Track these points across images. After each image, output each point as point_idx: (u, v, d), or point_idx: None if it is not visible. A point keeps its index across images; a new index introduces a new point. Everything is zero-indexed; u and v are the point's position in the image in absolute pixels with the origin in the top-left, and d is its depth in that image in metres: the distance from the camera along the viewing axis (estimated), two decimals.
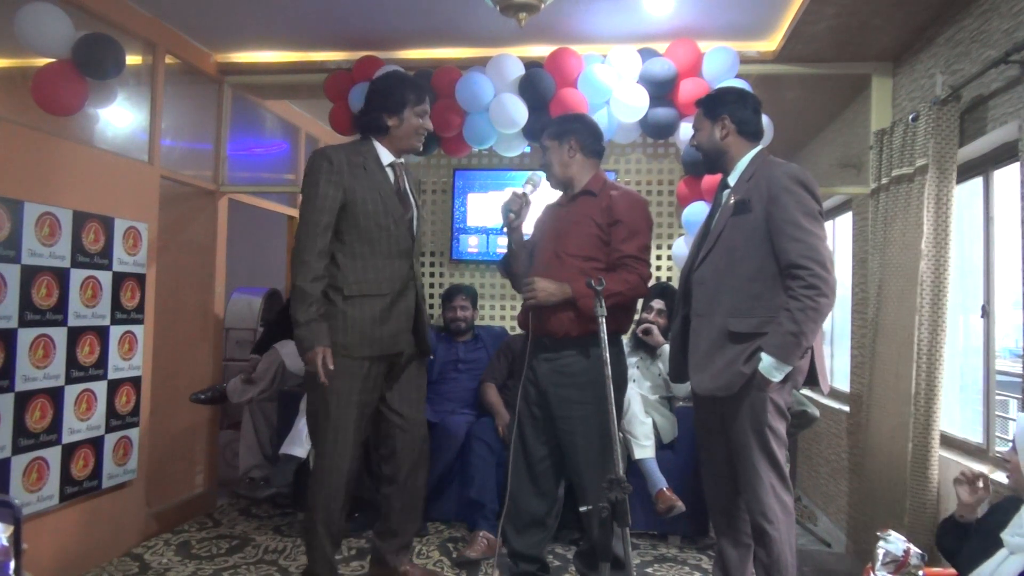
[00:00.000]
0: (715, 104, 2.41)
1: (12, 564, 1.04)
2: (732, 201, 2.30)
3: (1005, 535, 1.95)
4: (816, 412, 2.86)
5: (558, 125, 2.69)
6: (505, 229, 2.68)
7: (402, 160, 2.67)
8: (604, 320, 2.23)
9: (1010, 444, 2.08)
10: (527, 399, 2.64)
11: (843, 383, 4.27)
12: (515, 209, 2.60)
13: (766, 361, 2.16)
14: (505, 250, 2.79)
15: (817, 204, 2.23)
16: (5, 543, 1.04)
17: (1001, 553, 1.94)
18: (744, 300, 2.23)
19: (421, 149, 2.71)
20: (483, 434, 3.51)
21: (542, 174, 2.72)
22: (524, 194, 2.64)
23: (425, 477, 2.79)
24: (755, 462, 2.24)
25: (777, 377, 2.17)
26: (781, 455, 2.27)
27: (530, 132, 3.62)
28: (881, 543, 2.14)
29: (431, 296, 4.33)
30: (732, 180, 2.37)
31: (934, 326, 2.85)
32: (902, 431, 2.93)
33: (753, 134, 2.39)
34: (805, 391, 3.23)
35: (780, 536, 2.25)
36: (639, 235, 2.55)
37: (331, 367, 2.39)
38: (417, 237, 2.66)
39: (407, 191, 2.66)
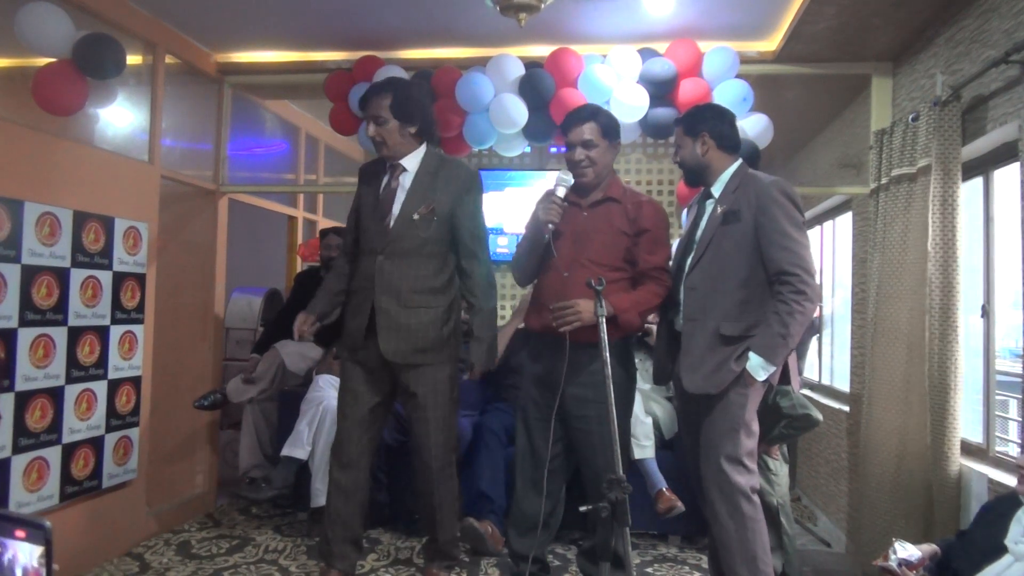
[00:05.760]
0: (694, 121, 2.50)
1: None
2: (719, 211, 2.39)
3: (1009, 542, 1.94)
4: (819, 416, 2.87)
5: (608, 119, 2.61)
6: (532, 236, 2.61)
7: (401, 161, 2.66)
8: (604, 320, 2.24)
9: (1020, 450, 2.09)
10: (534, 400, 2.62)
11: (843, 383, 4.27)
12: (556, 220, 2.51)
13: (754, 360, 2.27)
14: (521, 249, 2.68)
15: (801, 215, 2.35)
16: (36, 565, 1.04)
17: (1005, 559, 1.93)
18: (734, 305, 2.33)
19: (377, 154, 2.70)
20: (493, 425, 3.47)
21: (570, 174, 2.60)
22: (562, 200, 2.54)
23: (442, 496, 2.74)
24: (722, 458, 2.31)
25: (762, 376, 2.27)
26: (749, 454, 2.34)
27: (530, 132, 3.62)
28: (897, 543, 2.20)
29: None
30: (716, 191, 2.46)
31: (944, 327, 2.82)
32: (913, 433, 2.89)
33: (732, 147, 2.48)
34: (806, 391, 3.23)
35: (738, 532, 2.29)
36: (665, 246, 2.56)
37: (304, 328, 2.70)
38: (397, 234, 2.61)
39: (395, 190, 2.65)
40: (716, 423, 2.32)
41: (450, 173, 2.68)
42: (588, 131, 2.56)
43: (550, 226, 2.51)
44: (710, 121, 2.47)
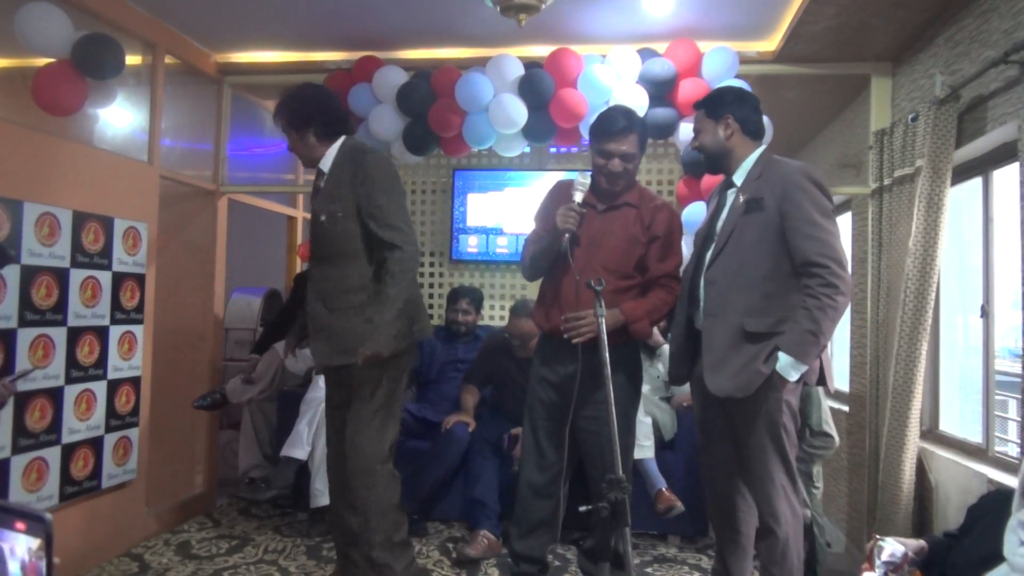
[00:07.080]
0: (717, 104, 2.36)
1: None
2: (741, 200, 2.26)
3: (1008, 554, 1.91)
4: (832, 446, 2.92)
5: (645, 129, 2.59)
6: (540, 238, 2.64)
7: (320, 165, 2.60)
8: (603, 320, 2.23)
9: (1021, 450, 2.08)
10: (542, 401, 2.60)
11: (843, 383, 4.27)
12: (573, 228, 2.47)
13: (783, 360, 2.13)
14: (535, 249, 2.63)
15: (830, 202, 2.22)
16: (34, 558, 1.03)
17: (1002, 569, 1.91)
18: (758, 299, 2.19)
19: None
20: (487, 434, 3.50)
21: (589, 176, 2.57)
22: (581, 205, 2.50)
23: (362, 503, 2.51)
24: (768, 464, 2.21)
25: (794, 376, 2.14)
26: (792, 456, 2.25)
27: (529, 132, 3.62)
28: (880, 543, 2.17)
29: (431, 296, 4.34)
30: (739, 179, 2.33)
31: (932, 326, 2.87)
32: (895, 430, 2.93)
33: (755, 132, 2.36)
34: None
35: (787, 537, 2.23)
36: (677, 253, 2.55)
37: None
38: (316, 238, 2.56)
39: (317, 195, 2.60)
40: (754, 431, 2.20)
41: (354, 167, 2.50)
42: (630, 144, 2.50)
43: (567, 234, 2.47)
44: (734, 104, 2.33)
